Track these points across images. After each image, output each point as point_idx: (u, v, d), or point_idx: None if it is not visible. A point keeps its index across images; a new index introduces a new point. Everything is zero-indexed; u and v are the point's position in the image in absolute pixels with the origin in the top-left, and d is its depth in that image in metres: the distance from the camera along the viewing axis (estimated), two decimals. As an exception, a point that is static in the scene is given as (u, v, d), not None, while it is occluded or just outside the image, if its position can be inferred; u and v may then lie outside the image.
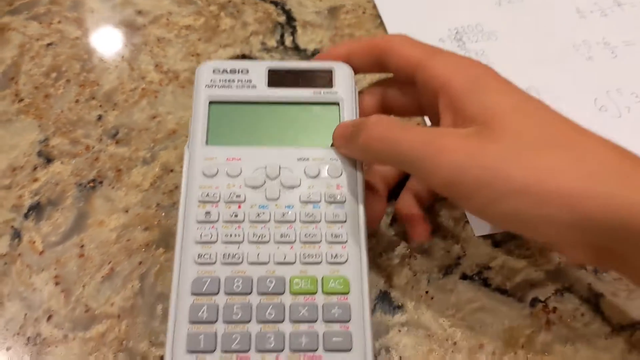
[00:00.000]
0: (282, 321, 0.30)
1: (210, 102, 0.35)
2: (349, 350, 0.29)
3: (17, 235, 0.37)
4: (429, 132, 0.30)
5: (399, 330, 0.34)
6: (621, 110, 0.46)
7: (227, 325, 0.29)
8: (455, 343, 0.34)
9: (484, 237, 0.38)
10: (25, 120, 0.42)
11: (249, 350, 0.29)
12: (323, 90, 0.36)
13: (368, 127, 0.31)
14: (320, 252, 0.32)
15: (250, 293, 0.30)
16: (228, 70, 0.36)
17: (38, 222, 0.37)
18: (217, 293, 0.30)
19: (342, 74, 0.36)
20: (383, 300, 0.36)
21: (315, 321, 0.30)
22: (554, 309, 0.36)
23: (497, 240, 0.38)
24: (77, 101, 0.43)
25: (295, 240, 0.32)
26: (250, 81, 0.36)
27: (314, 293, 0.30)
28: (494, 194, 0.27)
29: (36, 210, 0.38)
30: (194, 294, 0.30)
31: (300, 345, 0.29)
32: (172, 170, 0.40)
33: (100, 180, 0.39)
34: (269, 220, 0.32)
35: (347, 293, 0.31)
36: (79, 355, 0.32)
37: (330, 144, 0.34)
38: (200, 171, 0.33)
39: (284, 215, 0.32)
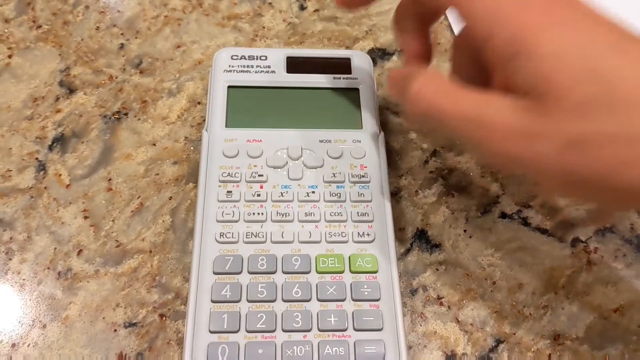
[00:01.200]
0: (309, 300, 0.29)
1: (229, 87, 0.35)
2: (379, 329, 0.29)
3: (42, 167, 0.35)
4: (479, 105, 0.25)
5: (437, 269, 0.34)
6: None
7: (251, 304, 0.29)
8: (494, 282, 0.33)
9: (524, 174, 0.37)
10: (44, 48, 0.40)
11: (275, 330, 0.28)
12: (342, 76, 0.36)
13: (415, 87, 0.26)
14: (346, 231, 0.31)
15: (275, 272, 0.30)
16: (246, 57, 0.36)
17: (63, 155, 0.36)
18: (241, 272, 0.30)
19: (361, 61, 0.37)
20: (420, 239, 0.35)
21: (344, 300, 0.29)
22: (595, 249, 0.35)
23: (537, 179, 0.37)
24: (97, 28, 0.41)
25: (320, 220, 0.31)
26: (269, 67, 0.36)
27: (342, 272, 0.30)
28: (552, 184, 0.24)
29: (60, 142, 0.36)
30: (216, 272, 0.30)
31: (330, 324, 0.29)
32: (199, 103, 0.38)
33: (126, 112, 0.38)
34: (293, 200, 0.32)
35: (375, 272, 0.30)
36: (112, 291, 0.32)
37: (352, 127, 0.35)
38: (221, 152, 0.33)
39: (307, 194, 0.32)
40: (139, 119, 0.37)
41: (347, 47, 0.41)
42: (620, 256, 0.35)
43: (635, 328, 0.32)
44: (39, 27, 0.41)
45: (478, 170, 0.37)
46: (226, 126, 0.34)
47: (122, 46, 0.40)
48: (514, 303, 0.33)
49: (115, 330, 0.31)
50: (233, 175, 0.32)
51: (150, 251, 0.33)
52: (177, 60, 0.40)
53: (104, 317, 0.31)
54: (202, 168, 0.33)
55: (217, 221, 0.31)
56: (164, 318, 0.31)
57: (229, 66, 0.36)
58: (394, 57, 0.41)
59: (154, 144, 0.37)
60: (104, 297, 0.32)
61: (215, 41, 0.41)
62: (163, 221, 0.34)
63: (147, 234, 0.34)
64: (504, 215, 0.36)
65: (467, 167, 0.37)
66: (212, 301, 0.29)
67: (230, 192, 0.32)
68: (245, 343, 0.28)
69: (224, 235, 0.31)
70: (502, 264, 0.34)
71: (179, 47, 0.41)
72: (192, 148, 0.37)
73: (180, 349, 0.30)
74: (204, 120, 0.37)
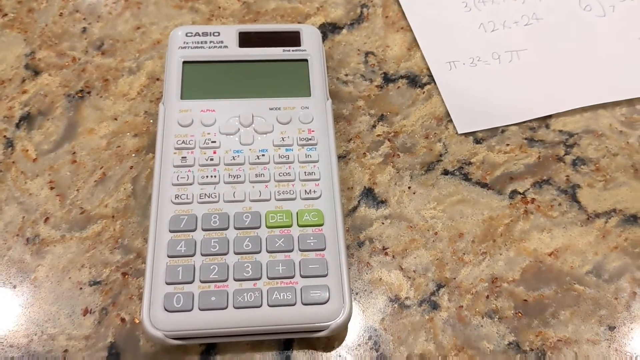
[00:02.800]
0: (259, 252, 0.31)
1: (184, 62, 0.37)
2: (324, 275, 0.31)
3: (10, 144, 0.38)
4: None
5: (382, 223, 0.36)
6: (605, 9, 0.46)
7: (205, 257, 0.31)
8: (436, 233, 0.36)
9: (466, 134, 0.39)
10: (10, 35, 0.42)
11: (227, 279, 0.31)
12: (292, 49, 0.38)
13: None
14: (294, 189, 0.33)
15: (227, 228, 0.32)
16: (200, 33, 0.38)
17: (30, 132, 0.38)
18: (195, 229, 0.32)
19: (309, 34, 0.39)
20: (367, 196, 0.37)
21: (292, 251, 0.32)
22: (532, 200, 0.37)
23: (479, 138, 0.39)
24: (61, 14, 0.43)
25: (269, 180, 0.34)
26: (222, 42, 0.38)
27: (289, 226, 0.32)
28: None
29: (27, 120, 0.39)
30: (171, 231, 0.32)
31: (278, 272, 0.31)
32: (158, 79, 0.41)
33: (88, 91, 0.40)
34: (244, 163, 0.34)
35: (321, 225, 0.32)
36: (77, 253, 0.34)
37: (301, 95, 0.37)
38: (176, 121, 0.35)
39: (258, 157, 0.34)
40: (101, 97, 0.40)
41: (299, 23, 0.44)
42: (556, 205, 0.37)
43: (568, 269, 0.35)
44: (5, 15, 0.43)
45: (423, 132, 0.39)
46: (181, 98, 0.36)
47: (84, 30, 0.43)
48: (454, 251, 0.35)
49: (81, 288, 0.33)
50: (187, 143, 0.35)
51: (113, 216, 0.35)
52: (137, 41, 0.42)
53: (70, 277, 0.33)
54: (158, 138, 0.35)
55: (173, 184, 0.33)
56: (126, 276, 0.33)
57: (184, 43, 0.38)
58: (344, 31, 0.44)
59: (116, 119, 0.39)
60: (69, 259, 0.34)
61: (173, 22, 0.43)
62: (125, 189, 0.36)
63: (110, 201, 0.36)
64: (446, 172, 0.38)
65: (412, 129, 0.39)
66: (169, 256, 0.31)
67: (185, 157, 0.34)
68: (199, 292, 0.30)
69: (179, 197, 0.33)
70: (444, 216, 0.36)
71: (138, 28, 0.43)
72: (151, 121, 0.39)
73: (142, 303, 0.32)
74: (162, 95, 0.40)
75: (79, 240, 0.34)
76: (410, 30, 0.44)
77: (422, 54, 0.43)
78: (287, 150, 0.35)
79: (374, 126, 0.40)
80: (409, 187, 0.37)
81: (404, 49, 0.43)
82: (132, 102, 0.40)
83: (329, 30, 0.44)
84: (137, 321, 0.32)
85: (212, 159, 0.34)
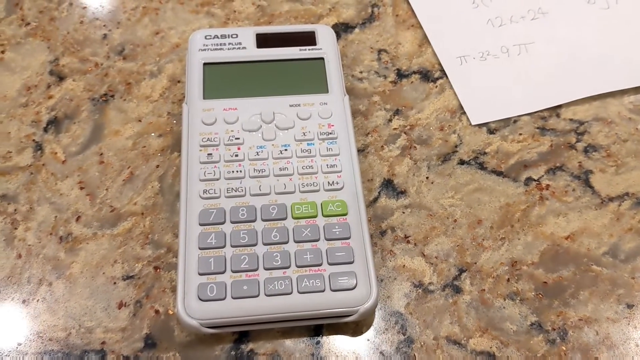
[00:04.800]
0: (286, 242, 0.33)
1: (205, 64, 0.39)
2: (351, 262, 0.32)
3: (39, 147, 0.39)
4: None
5: (403, 212, 0.37)
6: (609, 1, 0.47)
7: (235, 249, 0.32)
8: (455, 220, 0.37)
9: (480, 125, 0.41)
10: (34, 43, 0.43)
11: (257, 269, 0.32)
12: (308, 48, 0.40)
13: None
14: (318, 181, 0.35)
15: (254, 220, 0.33)
16: (219, 36, 0.40)
17: (57, 135, 0.39)
18: (224, 222, 0.33)
19: (324, 33, 0.41)
20: (387, 187, 0.38)
21: (318, 240, 0.33)
22: (547, 186, 0.38)
23: (492, 128, 0.40)
24: (81, 22, 0.45)
25: (293, 173, 0.35)
26: (240, 44, 0.40)
27: (315, 217, 0.34)
28: None
29: (54, 124, 0.40)
30: (201, 224, 0.33)
31: (306, 261, 0.32)
32: (179, 81, 0.42)
33: (112, 94, 0.41)
34: (268, 158, 0.35)
35: (345, 214, 0.34)
36: (109, 249, 0.35)
37: (319, 92, 0.38)
38: (200, 120, 0.36)
39: (281, 152, 0.36)
40: (124, 100, 0.41)
41: (313, 24, 0.45)
42: (570, 191, 0.38)
43: (585, 251, 0.36)
44: (28, 24, 0.44)
45: (437, 124, 0.41)
46: (204, 98, 0.37)
47: (105, 36, 0.44)
48: (474, 237, 0.36)
49: (115, 282, 0.34)
50: (212, 140, 0.36)
51: (142, 213, 0.36)
52: (157, 45, 0.43)
53: (103, 273, 0.34)
54: (184, 136, 0.36)
55: (200, 180, 0.34)
56: (158, 270, 0.34)
57: (204, 45, 0.39)
58: (356, 30, 0.45)
59: (140, 120, 0.40)
60: (102, 256, 0.35)
61: (191, 26, 0.44)
62: (152, 187, 0.37)
63: (139, 199, 0.37)
64: (462, 162, 0.39)
65: (427, 122, 0.41)
66: (200, 248, 0.32)
67: (211, 154, 0.35)
68: (231, 282, 0.31)
69: (207, 192, 0.34)
70: (462, 204, 0.37)
71: (157, 33, 0.44)
72: (174, 121, 0.40)
73: (174, 294, 0.34)
74: (184, 96, 0.41)
75: (111, 237, 0.36)
76: (420, 27, 0.45)
77: (433, 50, 0.44)
78: (308, 144, 0.36)
79: (390, 120, 0.41)
80: (427, 177, 0.38)
81: (415, 45, 0.44)
82: (155, 103, 0.41)
83: (341, 29, 0.45)
84: (171, 312, 0.33)
85: (236, 155, 0.35)
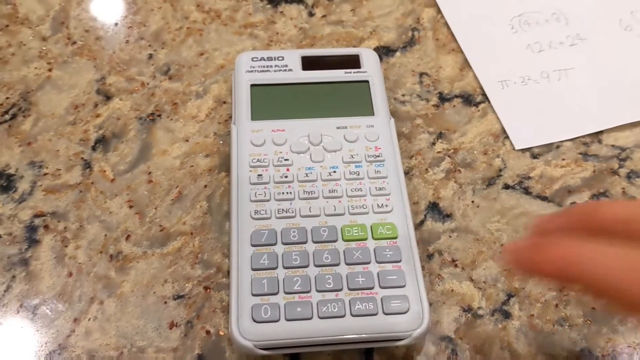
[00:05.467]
0: (338, 264, 0.33)
1: (252, 85, 0.39)
2: (403, 286, 0.32)
3: (87, 165, 0.39)
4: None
5: (450, 236, 0.37)
6: (645, 29, 0.47)
7: (287, 270, 0.32)
8: (502, 245, 0.37)
9: (523, 150, 0.41)
10: (80, 61, 0.44)
11: (310, 290, 0.32)
12: (353, 71, 0.40)
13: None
14: (367, 203, 0.35)
15: (306, 242, 0.33)
16: (265, 58, 0.41)
17: (106, 154, 0.40)
18: (275, 243, 0.33)
19: (368, 56, 0.41)
20: (433, 210, 0.38)
21: (369, 263, 0.33)
22: (592, 212, 0.38)
23: (535, 153, 0.41)
24: (127, 42, 0.45)
25: (342, 195, 0.35)
26: (286, 66, 0.40)
27: (365, 239, 0.34)
28: None
29: (102, 143, 0.40)
30: (253, 245, 0.33)
31: (358, 284, 0.32)
32: (224, 102, 0.42)
33: (159, 114, 0.42)
34: (317, 180, 0.36)
35: (395, 237, 0.34)
36: (160, 269, 0.35)
37: (365, 114, 0.38)
38: (249, 141, 0.37)
39: (330, 174, 0.36)
40: (171, 119, 0.41)
41: (354, 47, 0.45)
42: (615, 217, 0.38)
43: (632, 278, 0.36)
44: (74, 43, 0.45)
45: (481, 148, 0.41)
46: (252, 119, 0.38)
47: (150, 56, 0.44)
48: (521, 262, 0.36)
49: (166, 302, 0.34)
50: (262, 161, 0.36)
51: (191, 233, 0.37)
52: (202, 66, 0.44)
53: (154, 292, 0.35)
54: (233, 157, 0.36)
55: (251, 201, 0.35)
56: (208, 290, 0.35)
57: (250, 67, 0.40)
58: (397, 53, 0.46)
59: (187, 140, 0.40)
60: (153, 275, 0.35)
61: (235, 47, 0.45)
62: (200, 206, 0.38)
63: (187, 218, 0.37)
64: (507, 186, 0.39)
65: (470, 146, 0.41)
66: (253, 269, 0.32)
67: (261, 175, 0.36)
68: (284, 303, 0.31)
69: (258, 213, 0.34)
70: (508, 228, 0.38)
71: (202, 54, 0.45)
72: (221, 142, 0.40)
73: (225, 315, 0.34)
74: (231, 117, 0.41)
75: (160, 256, 0.36)
76: (461, 51, 0.46)
77: (474, 74, 0.44)
78: (356, 166, 0.36)
79: (433, 143, 0.41)
80: (472, 201, 0.39)
81: (456, 69, 0.45)
82: (202, 124, 0.41)
83: (382, 53, 0.45)
84: (222, 333, 0.33)
85: (286, 176, 0.36)
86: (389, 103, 0.42)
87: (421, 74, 0.44)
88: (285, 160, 0.36)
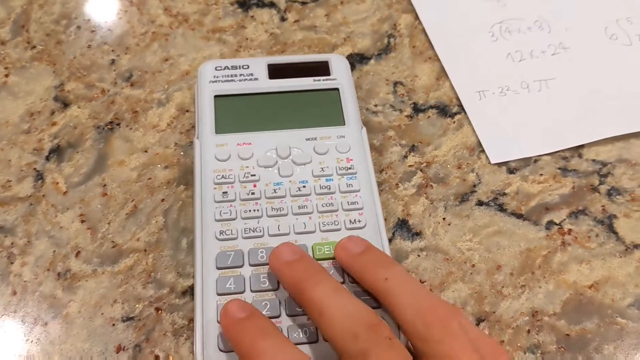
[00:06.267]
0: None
1: (216, 96, 0.37)
2: (378, 307, 0.29)
3: (39, 177, 0.37)
4: None
5: (418, 255, 0.35)
6: (632, 38, 0.46)
7: (255, 294, 0.30)
8: (473, 265, 0.35)
9: (499, 164, 0.39)
10: (39, 67, 0.42)
11: (279, 315, 0.30)
12: (322, 78, 0.38)
13: None
14: (339, 219, 0.33)
15: None
16: (229, 67, 0.38)
17: (59, 164, 0.38)
18: (242, 265, 0.31)
19: (338, 63, 0.39)
20: (401, 228, 0.36)
21: (343, 282, 0.31)
22: (569, 231, 0.36)
23: (512, 168, 0.39)
24: (89, 46, 0.43)
25: (313, 211, 0.33)
26: (252, 75, 0.38)
27: None
28: None
29: (57, 152, 0.38)
30: (219, 267, 0.31)
31: None
32: (187, 111, 0.40)
33: (118, 122, 0.40)
34: (285, 195, 0.34)
35: None
36: (109, 288, 0.33)
37: (335, 124, 0.37)
38: (213, 156, 0.35)
39: (299, 189, 0.34)
40: (130, 128, 0.39)
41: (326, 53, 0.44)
42: (593, 236, 0.36)
43: (609, 302, 0.34)
44: (34, 47, 0.43)
45: (455, 162, 0.39)
46: (216, 132, 0.36)
47: (113, 62, 0.43)
48: (492, 284, 0.34)
49: (114, 324, 0.32)
50: (227, 177, 0.34)
51: (145, 250, 0.35)
52: (166, 72, 0.42)
53: (102, 313, 0.33)
54: (196, 173, 0.34)
55: (216, 220, 0.32)
56: (159, 311, 0.33)
57: (214, 77, 0.38)
58: (372, 61, 0.44)
59: (146, 151, 0.38)
60: (102, 295, 0.33)
61: (202, 53, 0.43)
62: (156, 221, 0.36)
63: (142, 234, 0.35)
64: (480, 203, 0.37)
65: (444, 159, 0.39)
66: (218, 294, 0.30)
67: (226, 192, 0.33)
68: None
69: (224, 233, 0.32)
70: (481, 248, 0.36)
71: (166, 60, 0.43)
72: (182, 153, 0.38)
73: (176, 338, 0.32)
74: (193, 127, 0.39)
75: (111, 274, 0.34)
76: (438, 60, 0.44)
77: (450, 84, 0.43)
78: (327, 180, 0.34)
79: (405, 156, 0.39)
80: (444, 219, 0.37)
81: (433, 78, 0.43)
82: (162, 133, 0.39)
83: (356, 60, 0.44)
84: (171, 358, 0.31)
85: (253, 193, 0.33)
86: (360, 113, 0.40)
87: (395, 83, 0.43)
88: (252, 175, 0.34)
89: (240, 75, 0.38)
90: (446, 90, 0.42)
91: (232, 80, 0.38)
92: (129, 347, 0.32)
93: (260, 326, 0.27)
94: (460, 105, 0.42)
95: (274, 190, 0.34)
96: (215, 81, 0.38)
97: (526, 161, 0.39)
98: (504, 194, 0.38)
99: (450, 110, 0.41)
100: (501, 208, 0.37)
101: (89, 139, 0.39)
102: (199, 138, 0.35)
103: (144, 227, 0.36)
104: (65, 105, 0.40)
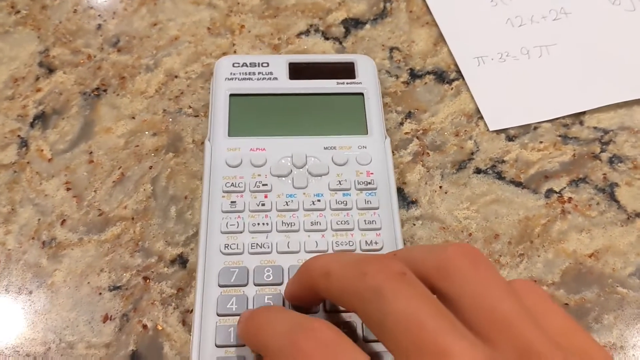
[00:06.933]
0: (317, 312, 0.28)
1: (231, 95, 0.35)
2: None
3: (24, 144, 0.36)
4: None
5: (414, 224, 0.34)
6: (635, 3, 0.44)
7: None
8: (470, 234, 0.34)
9: (498, 131, 0.38)
10: (23, 32, 0.41)
11: None
12: (346, 81, 0.36)
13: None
14: (354, 239, 0.31)
15: (281, 283, 0.29)
16: (248, 64, 0.36)
17: (44, 131, 0.37)
18: (246, 284, 0.29)
19: (365, 65, 0.36)
20: (397, 196, 0.35)
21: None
22: (569, 199, 0.35)
23: (511, 135, 0.38)
24: (75, 11, 0.42)
25: (326, 229, 0.31)
26: (271, 74, 0.36)
27: None
28: None
29: (41, 119, 0.37)
30: (221, 285, 0.29)
31: None
32: (176, 76, 0.39)
33: (105, 89, 0.38)
34: (298, 209, 0.31)
35: None
36: (96, 257, 0.32)
37: (357, 133, 0.34)
38: (224, 162, 0.32)
39: (313, 203, 0.31)
40: (117, 95, 0.38)
41: (321, 19, 0.42)
42: (594, 205, 0.35)
43: (609, 271, 0.33)
44: (18, 12, 0.42)
45: (453, 129, 0.38)
46: (229, 135, 0.34)
47: (99, 27, 0.41)
48: (490, 253, 0.33)
49: (100, 293, 0.31)
50: (237, 185, 0.32)
51: (133, 218, 0.34)
52: (154, 37, 0.41)
53: (88, 282, 0.32)
54: (205, 178, 0.32)
55: (222, 232, 0.30)
56: (147, 280, 0.32)
57: (231, 74, 0.36)
58: (367, 26, 0.42)
59: (133, 117, 0.37)
60: (88, 263, 0.32)
61: (191, 18, 0.42)
62: (144, 189, 0.35)
63: (129, 202, 0.34)
64: (478, 171, 0.36)
65: (441, 127, 0.38)
66: (218, 314, 0.28)
67: (234, 202, 0.31)
68: (253, 357, 0.27)
69: (229, 247, 0.30)
70: (478, 217, 0.35)
71: (155, 25, 0.41)
72: (170, 120, 0.37)
73: (164, 307, 0.31)
74: (182, 93, 0.38)
75: (98, 243, 0.33)
76: (436, 25, 0.42)
77: (448, 50, 0.41)
78: (344, 195, 0.32)
79: (401, 123, 0.38)
80: (440, 187, 0.36)
81: (430, 44, 0.42)
82: (150, 100, 0.38)
83: (351, 25, 0.42)
84: (160, 328, 0.31)
85: (263, 204, 0.31)
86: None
87: (392, 49, 0.41)
88: (264, 185, 0.32)
89: (259, 73, 0.36)
90: (444, 56, 0.41)
91: (249, 79, 0.36)
92: (116, 316, 0.31)
93: (264, 308, 0.25)
94: (459, 72, 0.40)
95: (286, 202, 0.31)
96: (232, 79, 0.36)
97: (525, 128, 0.38)
98: (503, 161, 0.37)
99: (448, 76, 0.40)
100: (499, 176, 0.36)
101: (74, 106, 0.38)
102: (210, 140, 0.33)
103: (132, 195, 0.34)
104: (50, 71, 0.39)
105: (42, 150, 0.36)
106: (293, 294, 0.26)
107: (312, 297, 0.25)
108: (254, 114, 0.35)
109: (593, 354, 0.21)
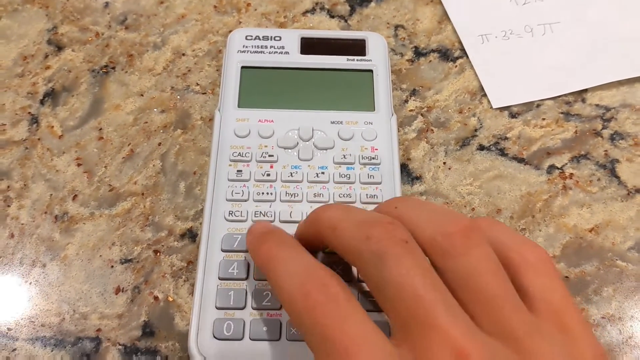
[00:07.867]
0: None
1: (243, 67, 0.35)
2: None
3: (34, 120, 0.37)
4: None
5: (418, 199, 0.35)
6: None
7: (258, 282, 0.29)
8: (473, 209, 0.35)
9: (501, 109, 0.38)
10: (31, 10, 0.41)
11: (280, 307, 0.28)
12: (356, 58, 0.36)
13: None
14: None
15: None
16: (260, 37, 0.36)
17: (54, 108, 0.37)
18: (248, 250, 0.29)
19: (375, 42, 0.37)
20: (402, 172, 0.36)
21: (350, 282, 0.28)
22: (571, 175, 0.36)
23: (514, 112, 0.38)
24: (82, -11, 0.42)
25: (329, 200, 0.31)
26: (282, 48, 0.36)
27: None
28: None
29: (51, 96, 0.38)
30: (224, 250, 0.30)
31: None
32: (184, 54, 0.40)
33: (113, 66, 0.39)
34: (302, 180, 0.32)
35: None
36: (107, 231, 0.33)
37: (364, 109, 0.35)
38: (232, 131, 0.33)
39: (317, 175, 0.32)
40: (126, 72, 0.39)
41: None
42: (595, 180, 0.36)
43: (609, 245, 0.34)
44: (25, -10, 0.42)
45: (456, 106, 0.38)
46: (238, 106, 0.34)
47: (106, 5, 0.42)
48: (492, 227, 0.34)
49: (112, 266, 0.32)
50: (244, 155, 0.33)
51: (143, 193, 0.34)
52: (161, 15, 0.41)
53: (100, 255, 0.32)
54: (213, 147, 0.33)
55: (227, 200, 0.31)
56: (158, 254, 0.33)
57: (243, 46, 0.36)
58: (372, 4, 0.43)
59: (142, 95, 0.38)
60: (99, 237, 0.33)
61: (197, -5, 0.42)
62: (154, 165, 0.35)
63: (139, 178, 0.35)
64: (481, 147, 0.37)
65: (445, 104, 0.38)
66: (220, 278, 0.29)
67: (241, 171, 0.32)
68: (250, 320, 0.28)
69: (233, 214, 0.31)
70: (481, 192, 0.35)
71: (162, 2, 0.42)
72: (178, 97, 0.38)
73: (174, 280, 0.32)
74: (190, 70, 0.39)
75: (109, 217, 0.34)
76: (440, 3, 0.43)
77: (453, 28, 0.42)
78: (348, 168, 0.33)
79: (406, 101, 0.38)
80: (444, 163, 0.36)
81: (434, 22, 0.42)
82: (158, 77, 0.39)
83: (357, 3, 0.43)
84: (171, 299, 0.31)
85: (268, 174, 0.32)
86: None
87: (396, 27, 0.42)
88: (270, 156, 0.33)
89: (271, 47, 0.36)
90: (448, 34, 0.41)
91: (261, 52, 0.36)
92: (127, 288, 0.32)
93: (279, 238, 0.25)
94: (463, 49, 0.41)
95: (291, 173, 0.32)
96: (244, 51, 0.36)
97: (528, 106, 0.38)
98: (506, 138, 0.37)
99: (452, 54, 0.41)
100: (502, 152, 0.37)
101: (83, 83, 0.38)
102: (220, 110, 0.34)
103: (141, 171, 0.35)
104: (59, 48, 0.40)
105: (52, 127, 0.36)
106: (301, 237, 0.26)
107: (318, 243, 0.26)
108: (264, 86, 0.35)
109: (566, 311, 0.22)
